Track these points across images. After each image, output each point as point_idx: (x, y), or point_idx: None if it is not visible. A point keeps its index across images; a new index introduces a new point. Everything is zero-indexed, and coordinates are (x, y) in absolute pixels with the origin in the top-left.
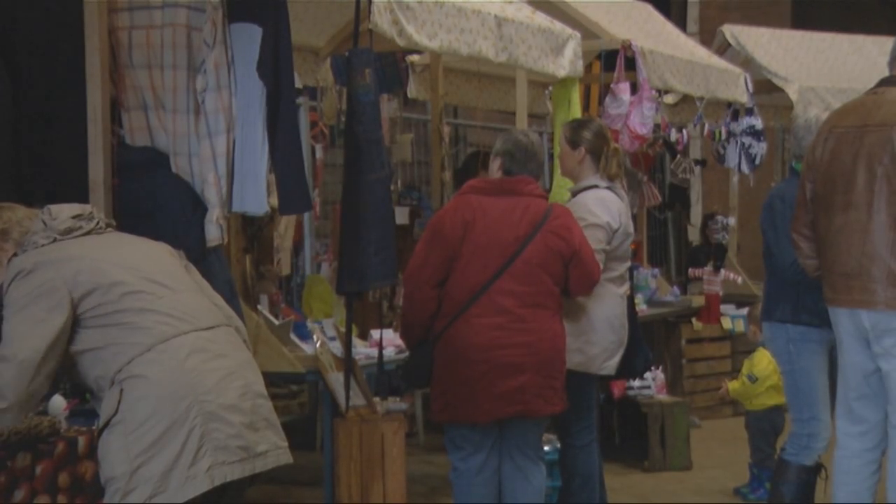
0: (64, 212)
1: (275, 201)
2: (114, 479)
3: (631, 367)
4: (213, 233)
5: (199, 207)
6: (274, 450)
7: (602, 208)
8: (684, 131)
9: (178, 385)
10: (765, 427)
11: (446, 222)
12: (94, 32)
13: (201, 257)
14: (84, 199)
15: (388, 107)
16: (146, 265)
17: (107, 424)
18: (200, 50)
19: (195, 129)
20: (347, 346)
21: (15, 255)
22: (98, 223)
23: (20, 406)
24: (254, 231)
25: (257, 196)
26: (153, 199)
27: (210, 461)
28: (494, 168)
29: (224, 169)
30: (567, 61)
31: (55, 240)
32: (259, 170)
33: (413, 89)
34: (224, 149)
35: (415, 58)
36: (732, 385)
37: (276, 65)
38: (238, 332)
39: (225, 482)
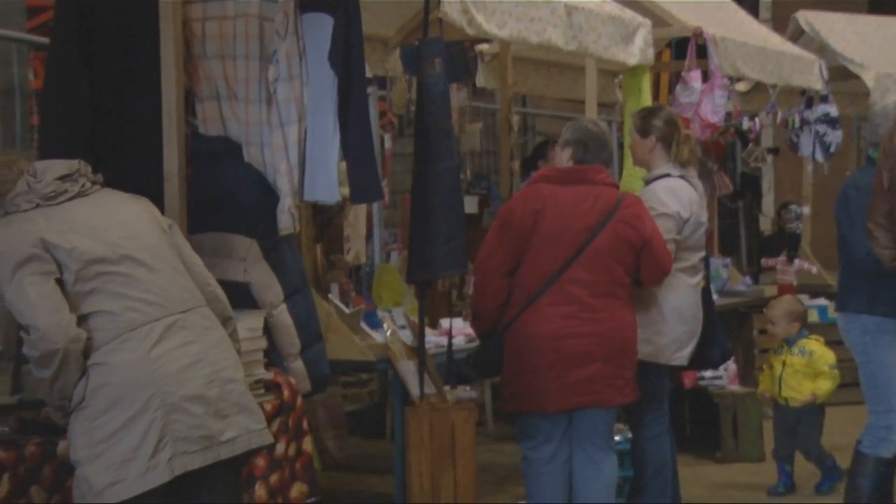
0: (49, 172)
1: (346, 190)
2: (78, 462)
3: (707, 357)
4: (285, 222)
5: (272, 196)
6: (244, 434)
7: (672, 198)
8: (756, 119)
9: (140, 375)
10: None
11: (516, 211)
12: (169, 24)
13: (273, 246)
14: (159, 188)
15: (458, 96)
16: (127, 241)
17: (74, 408)
18: (272, 40)
19: (267, 119)
20: (420, 335)
21: None
22: (83, 185)
23: (76, 350)
24: (324, 220)
25: (328, 185)
26: (226, 189)
27: (171, 452)
28: (564, 158)
29: (296, 158)
30: (637, 49)
31: (38, 205)
32: (330, 159)
33: (482, 78)
34: (296, 138)
35: (484, 47)
36: (825, 387)
37: (347, 54)
38: (217, 302)
39: (187, 471)
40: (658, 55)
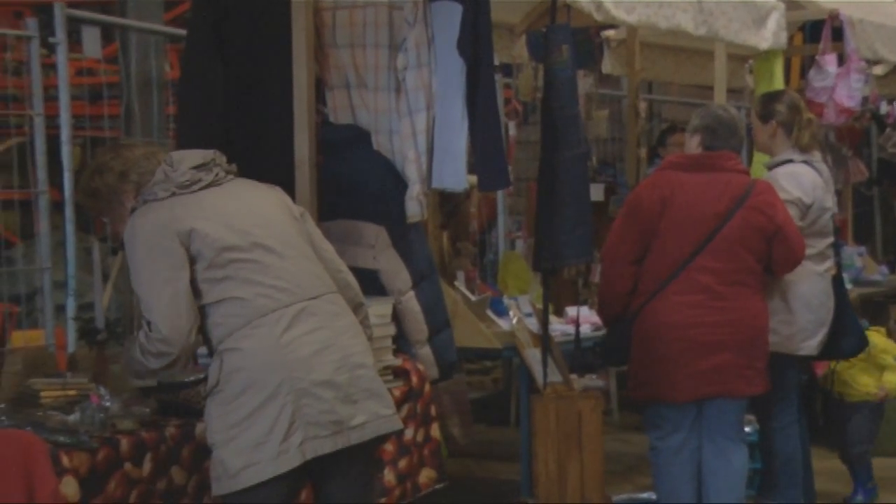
0: (185, 162)
1: (472, 178)
2: (214, 445)
3: (840, 348)
4: (414, 209)
5: (400, 184)
6: (374, 420)
7: (793, 183)
8: (895, 104)
9: (271, 360)
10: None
11: (644, 199)
12: (301, 14)
13: (402, 234)
14: (290, 176)
15: (584, 83)
16: (258, 228)
17: (210, 392)
18: (401, 28)
19: (396, 107)
20: (545, 322)
21: (136, 203)
22: (217, 174)
23: (187, 355)
24: (450, 208)
25: (456, 172)
26: (355, 176)
27: (301, 436)
28: (693, 144)
29: (424, 146)
30: (770, 33)
31: (174, 194)
32: (458, 146)
33: (608, 65)
34: (424, 126)
35: (610, 33)
36: (894, 381)
37: (475, 42)
38: (349, 289)
39: (319, 456)
40: (790, 39)
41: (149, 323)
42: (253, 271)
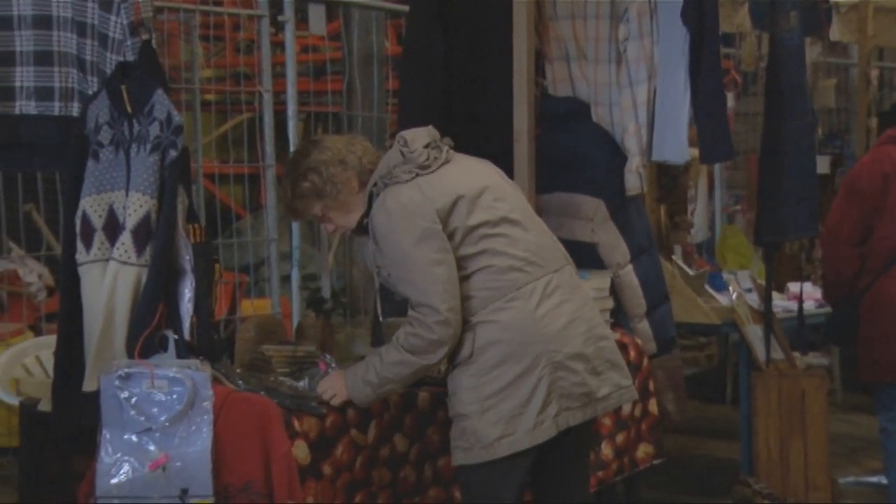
0: (416, 141)
1: (693, 150)
2: (464, 416)
3: None
4: (633, 182)
5: (619, 156)
6: (616, 391)
7: None
8: None
9: (528, 333)
10: None
11: (863, 177)
12: None
13: (620, 206)
14: (508, 149)
15: (811, 51)
16: (501, 202)
17: (459, 364)
18: None
19: (616, 79)
20: (767, 298)
21: (371, 189)
22: (447, 151)
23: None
24: (668, 181)
25: (678, 145)
26: (574, 149)
27: (557, 408)
28: None
29: (645, 118)
30: None
31: (417, 175)
32: (680, 118)
33: (836, 32)
34: (645, 97)
35: None
36: None
37: (700, 9)
38: (572, 266)
39: (569, 426)
40: None
41: (420, 308)
42: (504, 244)
